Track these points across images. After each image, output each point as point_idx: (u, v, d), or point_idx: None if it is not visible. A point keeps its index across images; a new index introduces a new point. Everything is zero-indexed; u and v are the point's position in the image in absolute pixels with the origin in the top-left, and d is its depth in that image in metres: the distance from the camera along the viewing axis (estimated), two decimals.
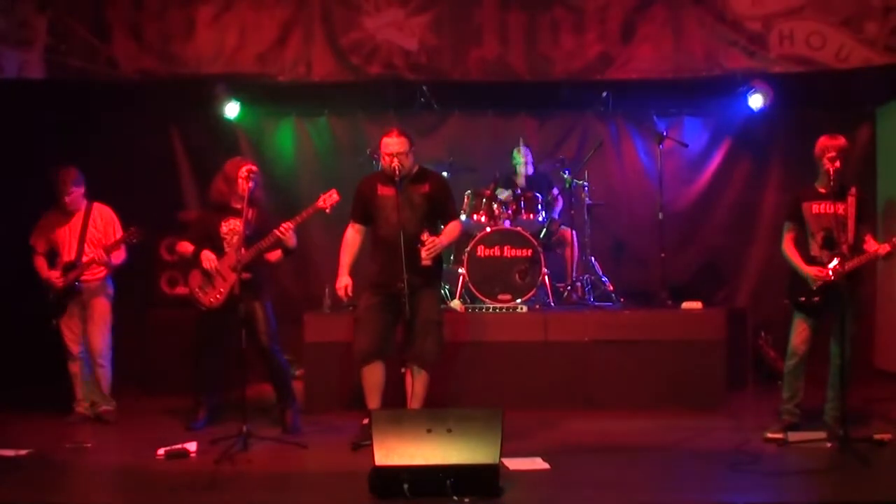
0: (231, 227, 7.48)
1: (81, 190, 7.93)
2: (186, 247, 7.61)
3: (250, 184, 7.23)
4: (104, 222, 7.97)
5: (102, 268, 7.91)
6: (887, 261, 7.20)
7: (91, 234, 7.90)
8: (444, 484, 5.53)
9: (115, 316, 8.07)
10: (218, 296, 7.42)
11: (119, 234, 7.91)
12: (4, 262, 8.77)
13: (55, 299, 7.84)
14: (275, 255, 7.52)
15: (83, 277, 7.84)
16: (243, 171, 7.33)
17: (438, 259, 7.10)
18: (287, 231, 7.22)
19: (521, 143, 9.76)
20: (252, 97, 9.86)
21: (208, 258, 7.41)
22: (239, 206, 7.35)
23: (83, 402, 8.01)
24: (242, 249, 7.21)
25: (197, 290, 7.53)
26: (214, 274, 7.42)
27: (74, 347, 7.94)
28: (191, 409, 7.72)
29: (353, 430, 7.06)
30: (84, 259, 7.81)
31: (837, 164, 6.96)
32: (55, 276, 7.82)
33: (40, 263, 7.93)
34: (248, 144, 10.00)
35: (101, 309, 7.97)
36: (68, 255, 7.86)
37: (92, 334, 7.94)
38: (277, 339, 7.60)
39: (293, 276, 10.00)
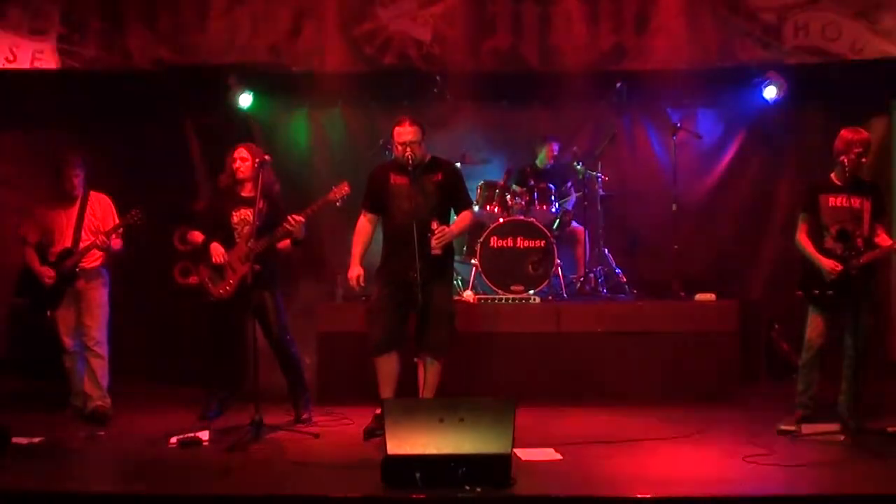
0: (242, 217, 7.49)
1: (82, 176, 7.81)
2: (197, 236, 7.65)
3: (253, 163, 7.39)
4: (102, 210, 7.83)
5: (100, 254, 7.75)
6: None
7: (89, 221, 7.76)
8: (456, 473, 5.53)
9: (122, 305, 7.96)
10: (228, 287, 7.43)
11: (116, 221, 7.78)
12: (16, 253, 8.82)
13: (51, 289, 7.65)
14: (284, 246, 7.52)
15: (80, 265, 7.68)
16: (234, 153, 7.54)
17: (450, 249, 7.10)
18: (297, 224, 7.23)
19: (551, 138, 9.78)
20: (265, 88, 9.84)
21: (217, 251, 7.43)
22: (249, 196, 7.37)
23: (79, 396, 7.81)
24: (253, 240, 7.21)
25: (207, 281, 7.54)
26: (224, 266, 7.43)
27: (68, 341, 7.73)
28: (203, 398, 7.73)
29: (366, 419, 7.06)
30: (82, 245, 7.65)
31: (864, 159, 6.95)
32: (48, 274, 7.63)
33: (31, 255, 7.74)
34: (262, 135, 9.97)
35: (98, 298, 7.77)
36: (63, 242, 7.70)
37: (89, 324, 7.72)
38: (288, 329, 7.62)
39: (305, 266, 9.99)
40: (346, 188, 7.22)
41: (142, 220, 7.65)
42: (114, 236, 7.70)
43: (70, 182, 7.73)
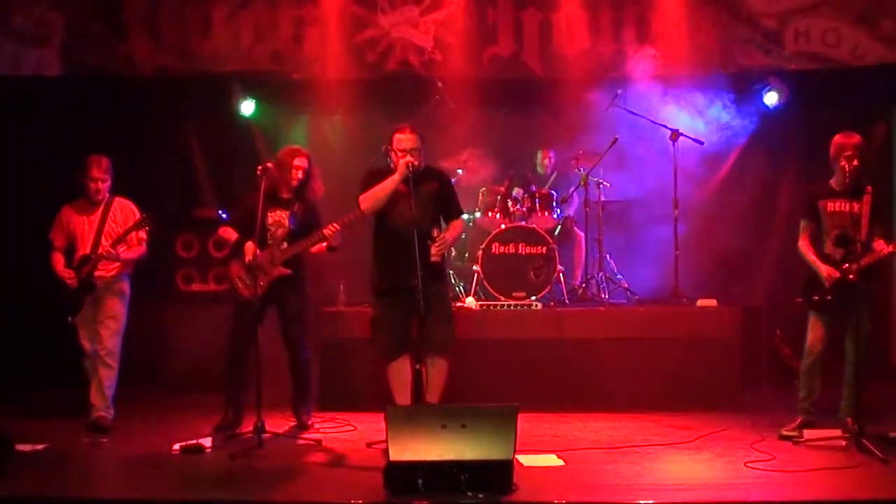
0: (277, 219, 7.39)
1: (109, 181, 7.69)
2: (230, 233, 7.54)
3: (301, 175, 7.33)
4: (124, 216, 7.67)
5: (117, 263, 7.61)
6: None
7: (109, 227, 7.62)
8: (458, 480, 5.53)
9: (129, 316, 7.79)
10: (258, 289, 7.28)
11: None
12: (19, 261, 8.85)
13: (71, 296, 7.55)
14: (318, 249, 7.41)
15: (97, 273, 7.54)
16: (296, 160, 7.42)
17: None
18: (333, 232, 7.17)
19: (546, 147, 9.87)
20: (267, 95, 9.88)
21: (251, 250, 7.25)
22: (286, 198, 7.32)
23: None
24: (284, 244, 7.20)
25: (237, 280, 7.43)
26: (256, 266, 7.28)
27: (87, 344, 7.65)
28: (224, 406, 7.54)
29: (368, 426, 7.08)
30: (99, 251, 7.51)
31: (855, 162, 6.95)
32: (69, 277, 7.54)
33: (57, 259, 7.64)
34: (264, 142, 10.00)
35: (114, 308, 7.64)
36: (84, 248, 7.58)
37: (102, 333, 7.61)
38: (306, 334, 7.59)
39: (308, 272, 9.98)
40: None
41: (149, 225, 7.55)
42: (133, 243, 7.62)
43: (90, 187, 7.63)
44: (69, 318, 7.57)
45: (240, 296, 7.43)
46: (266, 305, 7.31)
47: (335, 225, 7.18)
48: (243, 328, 7.39)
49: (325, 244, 7.35)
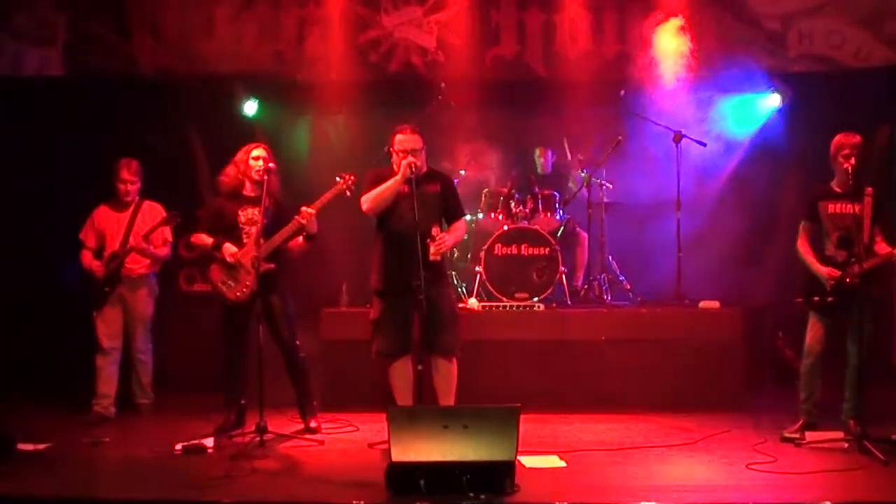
0: (249, 217, 7.32)
1: (139, 184, 8.05)
2: (204, 238, 7.45)
3: (265, 166, 7.25)
4: (152, 218, 7.98)
5: (145, 259, 7.97)
6: None
7: (138, 227, 7.94)
8: (460, 481, 5.52)
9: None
10: (244, 289, 7.22)
11: (162, 229, 7.99)
12: (21, 261, 8.85)
13: (96, 290, 7.87)
14: (296, 244, 7.37)
15: (125, 269, 7.91)
16: (253, 152, 7.37)
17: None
18: (309, 216, 7.12)
19: (544, 146, 9.85)
20: (270, 95, 9.87)
21: (230, 251, 7.27)
22: (254, 194, 7.29)
23: (103, 400, 7.93)
24: (262, 240, 7.12)
25: (220, 284, 7.34)
26: (238, 267, 7.27)
27: (105, 341, 7.94)
28: (223, 409, 7.53)
29: (370, 426, 7.07)
30: (128, 245, 7.86)
31: (853, 161, 6.94)
32: (97, 266, 7.89)
33: (85, 256, 7.98)
34: (266, 142, 9.96)
35: (144, 307, 8.11)
36: (113, 246, 7.92)
37: (133, 331, 8.07)
38: (297, 333, 7.54)
39: (309, 273, 9.98)
40: (353, 177, 7.15)
41: (176, 220, 7.94)
42: (160, 244, 8.02)
43: (119, 189, 8.00)
44: (93, 313, 7.92)
45: (224, 299, 7.36)
46: (252, 307, 7.16)
47: (310, 210, 7.13)
48: (235, 331, 7.39)
49: (302, 234, 7.28)
